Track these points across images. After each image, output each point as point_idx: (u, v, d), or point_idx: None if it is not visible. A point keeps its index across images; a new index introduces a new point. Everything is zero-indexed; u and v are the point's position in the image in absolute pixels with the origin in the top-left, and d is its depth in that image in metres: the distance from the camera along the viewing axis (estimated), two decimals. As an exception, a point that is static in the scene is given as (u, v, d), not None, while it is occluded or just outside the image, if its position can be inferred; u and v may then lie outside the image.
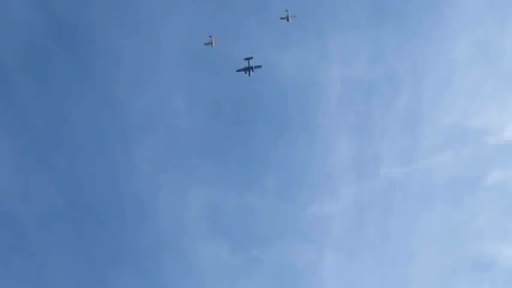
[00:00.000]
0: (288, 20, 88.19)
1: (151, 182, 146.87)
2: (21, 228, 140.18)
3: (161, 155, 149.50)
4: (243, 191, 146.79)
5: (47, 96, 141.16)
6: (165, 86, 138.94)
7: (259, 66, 78.50)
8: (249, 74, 78.76)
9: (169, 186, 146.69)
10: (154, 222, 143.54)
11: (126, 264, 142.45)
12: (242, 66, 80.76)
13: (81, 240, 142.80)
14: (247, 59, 78.14)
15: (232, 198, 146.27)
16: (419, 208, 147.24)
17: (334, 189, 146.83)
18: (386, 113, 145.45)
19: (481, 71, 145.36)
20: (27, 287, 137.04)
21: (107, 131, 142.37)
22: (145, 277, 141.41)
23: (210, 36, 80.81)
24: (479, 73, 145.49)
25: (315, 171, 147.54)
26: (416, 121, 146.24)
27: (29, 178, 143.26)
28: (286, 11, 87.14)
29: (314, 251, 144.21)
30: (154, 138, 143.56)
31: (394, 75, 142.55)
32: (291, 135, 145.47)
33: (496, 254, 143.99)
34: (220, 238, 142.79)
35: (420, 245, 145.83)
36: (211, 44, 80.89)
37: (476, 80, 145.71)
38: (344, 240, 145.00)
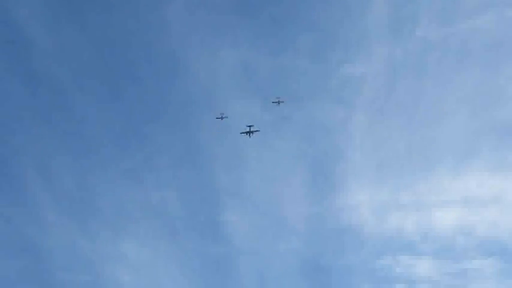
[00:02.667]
0: (278, 104, 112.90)
1: (185, 41, 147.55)
2: (59, 86, 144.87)
3: (194, 13, 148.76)
4: (275, 50, 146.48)
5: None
6: None
7: (258, 130, 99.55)
8: (250, 136, 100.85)
9: (202, 45, 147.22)
10: (187, 80, 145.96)
11: (161, 120, 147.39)
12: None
13: (117, 98, 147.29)
14: (249, 126, 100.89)
15: (265, 57, 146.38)
16: (453, 71, 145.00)
17: (368, 50, 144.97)
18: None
19: None
20: (66, 143, 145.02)
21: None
22: (179, 133, 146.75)
23: (221, 113, 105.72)
24: None
25: (349, 31, 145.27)
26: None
27: (65, 38, 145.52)
28: (278, 97, 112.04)
29: (344, 111, 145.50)
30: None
31: None
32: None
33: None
34: (252, 96, 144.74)
35: (451, 108, 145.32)
36: (221, 118, 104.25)
37: None
38: (375, 101, 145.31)
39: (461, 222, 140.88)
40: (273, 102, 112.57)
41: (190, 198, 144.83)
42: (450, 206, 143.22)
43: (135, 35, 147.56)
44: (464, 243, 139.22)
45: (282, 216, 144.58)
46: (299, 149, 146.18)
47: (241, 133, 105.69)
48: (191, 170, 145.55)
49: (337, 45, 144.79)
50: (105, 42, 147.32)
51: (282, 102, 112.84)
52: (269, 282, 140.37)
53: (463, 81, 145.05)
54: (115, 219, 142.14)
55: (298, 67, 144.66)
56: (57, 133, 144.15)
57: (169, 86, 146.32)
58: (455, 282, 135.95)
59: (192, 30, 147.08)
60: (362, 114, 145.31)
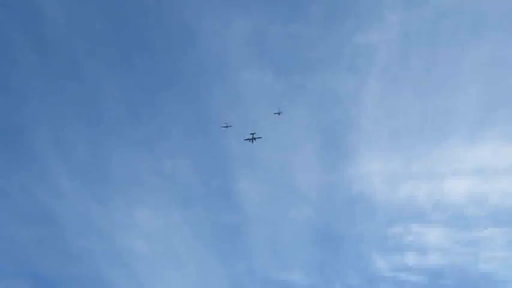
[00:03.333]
0: (279, 114, 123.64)
1: (197, 10, 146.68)
2: (72, 55, 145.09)
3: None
4: (287, 18, 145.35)
5: None
6: None
7: (260, 137, 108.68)
8: (252, 142, 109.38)
9: (215, 14, 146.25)
10: (199, 49, 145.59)
11: (173, 89, 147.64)
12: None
13: (129, 67, 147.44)
14: (252, 134, 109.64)
15: (277, 26, 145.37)
16: (468, 39, 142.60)
17: (381, 18, 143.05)
18: None
19: None
20: (79, 112, 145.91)
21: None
22: (192, 102, 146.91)
23: (226, 122, 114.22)
24: None
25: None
26: None
27: (78, 6, 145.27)
28: (279, 108, 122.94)
29: (357, 80, 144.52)
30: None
31: None
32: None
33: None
34: (264, 65, 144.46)
35: (466, 76, 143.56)
36: (226, 127, 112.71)
37: None
38: (388, 69, 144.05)
39: (473, 192, 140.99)
40: (274, 113, 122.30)
41: (202, 167, 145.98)
42: (463, 175, 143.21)
43: (148, 3, 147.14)
44: (476, 213, 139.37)
45: (294, 185, 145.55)
46: (311, 118, 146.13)
47: (244, 139, 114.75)
48: (203, 139, 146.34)
49: (349, 13, 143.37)
50: (117, 11, 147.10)
51: (281, 112, 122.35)
52: (281, 249, 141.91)
53: (478, 49, 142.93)
54: (128, 187, 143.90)
55: (310, 36, 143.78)
56: (70, 102, 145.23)
57: (182, 55, 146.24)
58: (466, 251, 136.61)
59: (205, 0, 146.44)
60: (375, 83, 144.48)
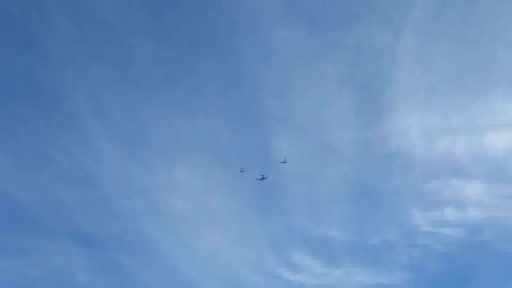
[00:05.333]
0: (285, 162, 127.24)
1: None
2: (107, 20, 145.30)
3: None
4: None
5: None
6: None
7: (267, 177, 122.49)
8: (262, 180, 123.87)
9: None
10: (232, 6, 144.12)
11: (207, 49, 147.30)
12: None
13: (163, 29, 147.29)
14: (262, 175, 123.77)
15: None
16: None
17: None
18: None
19: None
20: (116, 76, 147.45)
21: None
22: (226, 61, 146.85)
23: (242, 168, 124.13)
24: None
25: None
26: None
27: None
28: (285, 158, 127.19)
29: (393, 33, 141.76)
30: None
31: None
32: None
33: None
34: (298, 21, 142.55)
35: (506, 27, 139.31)
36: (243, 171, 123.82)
37: None
38: (425, 22, 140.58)
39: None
40: (281, 162, 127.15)
41: (238, 125, 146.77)
42: (503, 129, 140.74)
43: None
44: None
45: (331, 142, 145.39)
46: (347, 73, 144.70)
47: (256, 179, 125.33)
48: (239, 98, 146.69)
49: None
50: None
51: (287, 162, 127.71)
52: (318, 206, 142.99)
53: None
54: (166, 148, 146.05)
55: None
56: (107, 66, 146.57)
57: (215, 14, 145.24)
58: (506, 205, 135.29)
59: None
60: (411, 36, 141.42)
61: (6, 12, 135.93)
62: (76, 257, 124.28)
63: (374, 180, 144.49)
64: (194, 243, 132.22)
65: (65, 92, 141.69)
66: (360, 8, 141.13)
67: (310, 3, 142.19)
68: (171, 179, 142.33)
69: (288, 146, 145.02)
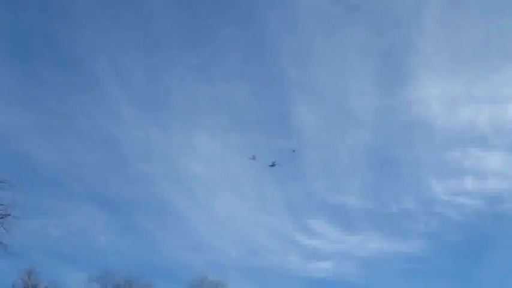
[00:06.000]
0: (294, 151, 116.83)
1: None
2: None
3: None
4: None
5: None
6: None
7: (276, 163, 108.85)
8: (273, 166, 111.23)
9: None
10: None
11: (228, 14, 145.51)
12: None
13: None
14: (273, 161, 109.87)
15: None
16: None
17: None
18: None
19: None
20: (136, 40, 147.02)
21: None
22: (247, 27, 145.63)
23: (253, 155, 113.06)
24: None
25: None
26: None
27: None
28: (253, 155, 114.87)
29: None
30: None
31: None
32: None
33: None
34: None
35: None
36: (254, 158, 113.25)
37: None
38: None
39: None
40: (269, 166, 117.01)
41: (258, 92, 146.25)
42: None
43: None
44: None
45: (351, 109, 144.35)
46: (368, 40, 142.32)
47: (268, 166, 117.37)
48: (260, 64, 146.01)
49: None
50: None
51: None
52: (337, 173, 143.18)
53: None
54: (186, 112, 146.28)
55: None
56: (128, 30, 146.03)
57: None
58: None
59: None
60: (436, 2, 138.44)
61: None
62: (96, 219, 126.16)
63: (393, 149, 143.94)
64: (212, 207, 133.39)
65: (86, 55, 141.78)
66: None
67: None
68: (190, 143, 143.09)
69: (308, 113, 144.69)
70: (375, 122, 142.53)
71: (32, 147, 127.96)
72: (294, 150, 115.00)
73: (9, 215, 56.59)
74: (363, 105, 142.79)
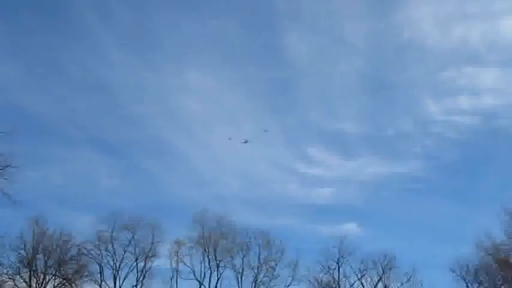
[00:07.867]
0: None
1: None
2: None
3: None
4: None
5: None
6: None
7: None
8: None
9: None
10: None
11: None
12: None
13: None
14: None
15: None
16: None
17: None
18: None
19: None
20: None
21: None
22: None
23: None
24: None
25: None
26: None
27: None
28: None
29: None
30: None
31: None
32: None
33: None
34: None
35: None
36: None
37: None
38: None
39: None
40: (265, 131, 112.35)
41: (248, 25, 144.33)
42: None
43: None
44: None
45: (342, 35, 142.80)
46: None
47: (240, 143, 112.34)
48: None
49: None
50: None
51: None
52: (332, 100, 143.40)
53: None
54: (176, 51, 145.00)
55: None
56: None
57: None
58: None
59: None
60: None
61: None
62: (96, 164, 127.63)
63: (387, 72, 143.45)
64: (210, 142, 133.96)
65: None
66: None
67: None
68: (183, 82, 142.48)
69: (299, 41, 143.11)
70: (368, 46, 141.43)
71: (23, 98, 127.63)
72: (266, 130, 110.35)
73: (9, 165, 57.03)
74: (355, 30, 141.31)
